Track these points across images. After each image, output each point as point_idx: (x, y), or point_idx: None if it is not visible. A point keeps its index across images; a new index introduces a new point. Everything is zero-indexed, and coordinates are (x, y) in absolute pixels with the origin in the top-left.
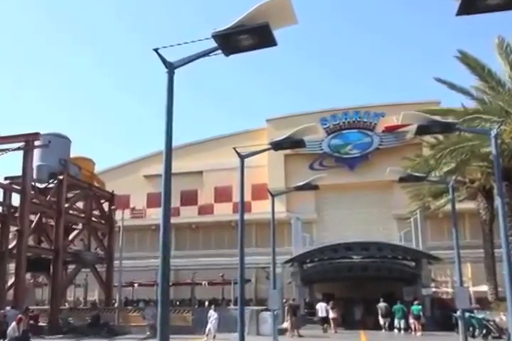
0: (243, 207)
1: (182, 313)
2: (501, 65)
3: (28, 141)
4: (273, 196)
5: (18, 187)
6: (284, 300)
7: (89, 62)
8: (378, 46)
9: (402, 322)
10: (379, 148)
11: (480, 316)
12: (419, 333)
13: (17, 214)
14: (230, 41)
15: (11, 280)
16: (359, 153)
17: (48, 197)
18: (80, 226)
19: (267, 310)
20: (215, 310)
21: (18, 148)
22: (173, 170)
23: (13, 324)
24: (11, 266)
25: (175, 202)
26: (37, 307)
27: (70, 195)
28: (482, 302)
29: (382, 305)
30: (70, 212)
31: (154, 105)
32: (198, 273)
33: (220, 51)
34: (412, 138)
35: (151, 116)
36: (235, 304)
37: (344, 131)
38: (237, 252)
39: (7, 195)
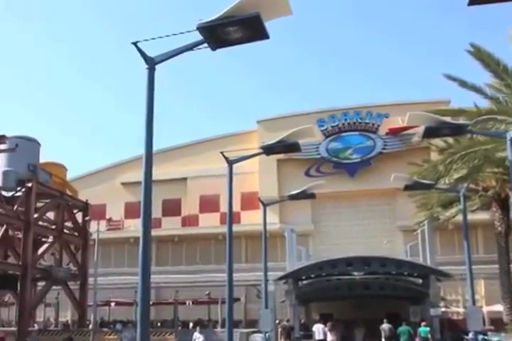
0: (231, 217)
1: (164, 336)
2: None
3: None
4: (265, 205)
5: None
6: (277, 321)
7: (60, 58)
8: (381, 40)
9: None
10: (382, 152)
11: (494, 339)
12: None
13: None
14: (217, 34)
15: None
16: (360, 157)
17: (15, 206)
18: (51, 239)
19: (258, 332)
20: (200, 333)
21: None
22: (154, 177)
23: None
24: None
25: (156, 212)
26: (3, 328)
27: (39, 204)
28: (497, 323)
29: (386, 326)
30: (40, 223)
31: (133, 105)
32: (182, 292)
33: (206, 45)
34: (419, 141)
35: (130, 117)
36: (223, 326)
37: (344, 134)
38: (225, 268)
39: None
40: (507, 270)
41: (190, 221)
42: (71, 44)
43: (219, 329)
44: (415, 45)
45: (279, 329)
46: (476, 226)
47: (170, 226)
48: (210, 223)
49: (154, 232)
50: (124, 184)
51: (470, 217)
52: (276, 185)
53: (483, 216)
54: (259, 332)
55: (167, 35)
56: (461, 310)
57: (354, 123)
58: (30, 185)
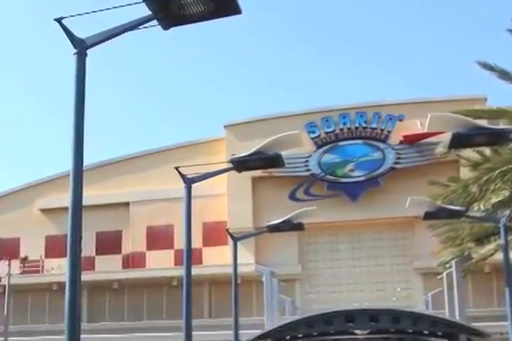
0: (190, 256)
1: None
2: None
3: None
4: (235, 240)
5: None
6: None
7: None
8: (392, 17)
9: None
10: (395, 167)
11: None
12: None
13: None
14: (170, 7)
15: None
16: (365, 175)
17: None
18: None
19: None
20: None
21: None
22: (86, 202)
23: None
24: None
25: (88, 248)
26: None
27: None
28: None
29: None
30: None
31: (58, 107)
32: None
33: (155, 22)
34: (444, 153)
35: (53, 122)
36: None
37: (342, 143)
38: (182, 324)
39: None
40: None
41: (134, 261)
42: None
43: None
44: (437, 23)
45: None
46: None
47: (107, 268)
48: (161, 264)
49: (85, 276)
50: (44, 211)
51: None
52: (250, 212)
53: None
54: None
55: (102, 10)
56: None
57: (356, 128)
58: None
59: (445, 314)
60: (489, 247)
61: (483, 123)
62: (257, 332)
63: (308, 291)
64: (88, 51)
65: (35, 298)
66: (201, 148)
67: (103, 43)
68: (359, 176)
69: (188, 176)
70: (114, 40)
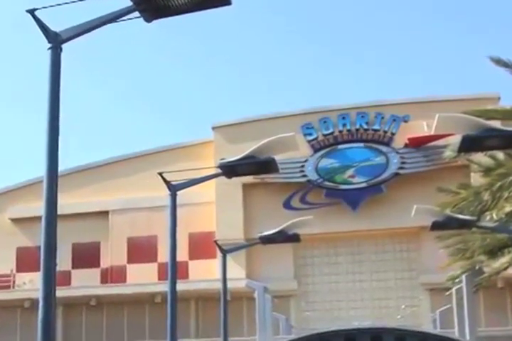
0: (175, 270)
1: None
2: None
3: None
4: (224, 253)
5: None
6: None
7: None
8: (397, 11)
9: None
10: (399, 173)
11: None
12: None
13: None
14: None
15: None
16: (366, 181)
17: None
18: None
19: None
20: None
21: None
22: (61, 210)
23: None
24: None
25: (63, 261)
26: None
27: None
28: None
29: None
30: None
31: (28, 106)
32: None
33: (137, 14)
34: (453, 157)
35: (24, 123)
36: None
37: (342, 146)
38: None
39: None
40: None
41: (113, 275)
42: None
43: None
44: (445, 18)
45: None
46: None
47: (84, 283)
48: (143, 278)
49: (61, 292)
50: (15, 220)
51: None
52: (241, 221)
53: None
54: None
55: (80, 0)
56: None
57: (357, 130)
58: None
59: (454, 333)
60: (503, 260)
61: (496, 124)
62: None
63: (305, 308)
64: (64, 46)
65: (5, 316)
66: (187, 151)
67: (80, 37)
68: (360, 182)
69: (173, 183)
70: (92, 34)
